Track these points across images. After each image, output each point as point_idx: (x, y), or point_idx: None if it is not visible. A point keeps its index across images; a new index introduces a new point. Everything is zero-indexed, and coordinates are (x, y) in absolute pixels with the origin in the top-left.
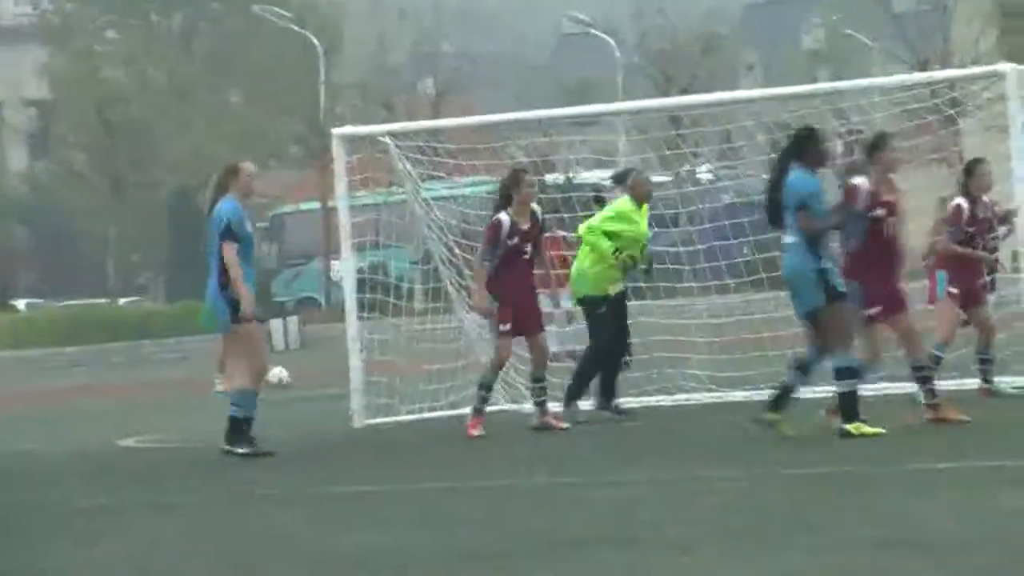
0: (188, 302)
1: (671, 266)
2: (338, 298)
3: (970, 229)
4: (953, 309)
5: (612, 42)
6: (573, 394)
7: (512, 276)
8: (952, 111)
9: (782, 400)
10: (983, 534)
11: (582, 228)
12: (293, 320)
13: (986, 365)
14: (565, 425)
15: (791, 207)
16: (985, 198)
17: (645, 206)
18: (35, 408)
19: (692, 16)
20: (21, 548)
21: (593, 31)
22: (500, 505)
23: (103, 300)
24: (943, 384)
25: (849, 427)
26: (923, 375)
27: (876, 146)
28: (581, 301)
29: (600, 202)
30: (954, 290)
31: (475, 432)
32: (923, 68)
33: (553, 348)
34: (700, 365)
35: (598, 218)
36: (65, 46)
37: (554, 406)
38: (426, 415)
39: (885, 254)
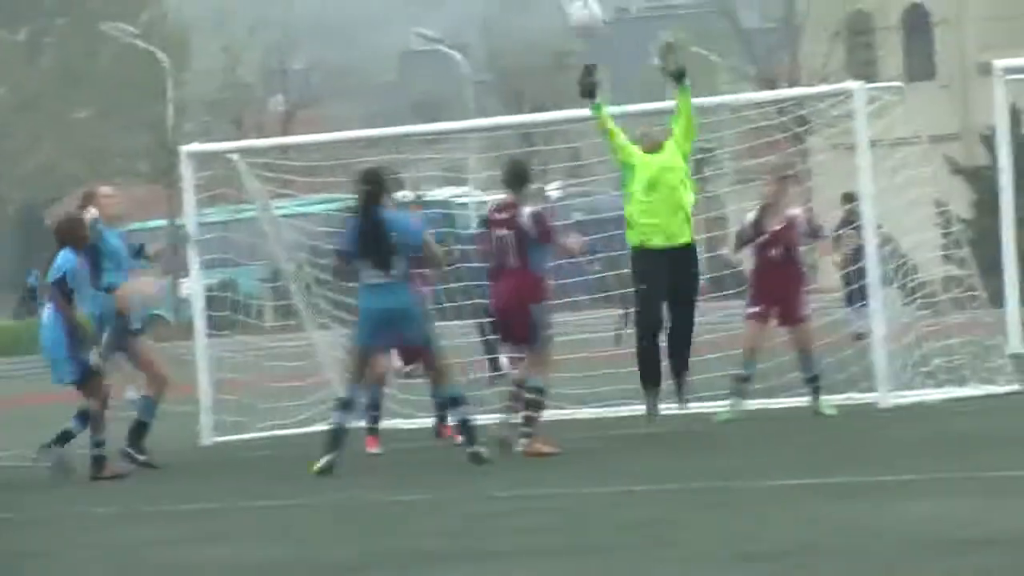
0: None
1: None
2: (187, 315)
3: (761, 239)
4: (756, 325)
5: (461, 58)
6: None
7: None
8: (800, 129)
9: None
10: (834, 543)
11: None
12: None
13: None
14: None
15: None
16: (796, 211)
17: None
18: None
19: (544, 33)
20: None
21: (442, 47)
22: (353, 520)
23: None
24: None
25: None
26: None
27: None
28: None
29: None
30: (755, 308)
31: (372, 449)
32: (771, 86)
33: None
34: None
35: None
36: None
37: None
38: (276, 433)
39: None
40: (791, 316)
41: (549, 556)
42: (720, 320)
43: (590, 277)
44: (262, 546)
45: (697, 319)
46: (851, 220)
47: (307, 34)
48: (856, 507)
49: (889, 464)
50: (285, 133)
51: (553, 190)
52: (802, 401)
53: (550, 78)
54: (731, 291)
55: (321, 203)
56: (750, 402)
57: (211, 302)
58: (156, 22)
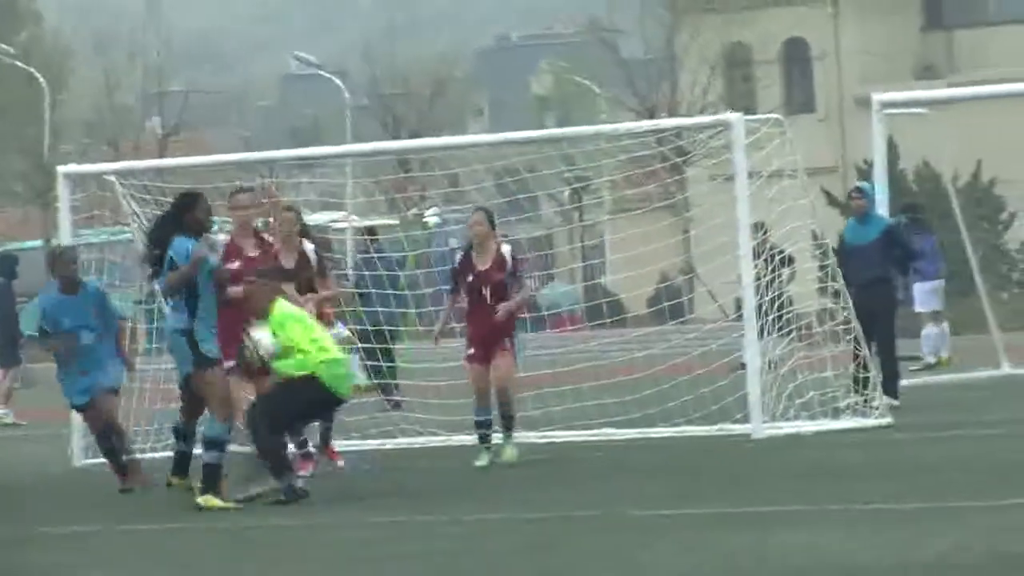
0: None
1: (398, 309)
2: None
3: (469, 278)
4: (474, 368)
5: (340, 83)
6: None
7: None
8: (679, 159)
9: (181, 465)
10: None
11: None
12: None
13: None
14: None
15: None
16: (504, 247)
17: None
18: None
19: (423, 59)
20: None
21: (321, 72)
22: (232, 545)
23: None
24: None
25: (200, 500)
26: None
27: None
28: None
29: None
30: (471, 350)
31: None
32: (651, 116)
33: None
34: (424, 408)
35: None
36: None
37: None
38: (148, 455)
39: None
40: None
41: None
42: (599, 350)
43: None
44: (136, 571)
45: (573, 347)
46: (761, 251)
47: (187, 57)
48: (735, 537)
49: (762, 496)
50: (162, 156)
51: (431, 216)
52: (678, 431)
53: (428, 105)
54: (608, 320)
55: None
56: (627, 431)
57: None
58: (34, 42)
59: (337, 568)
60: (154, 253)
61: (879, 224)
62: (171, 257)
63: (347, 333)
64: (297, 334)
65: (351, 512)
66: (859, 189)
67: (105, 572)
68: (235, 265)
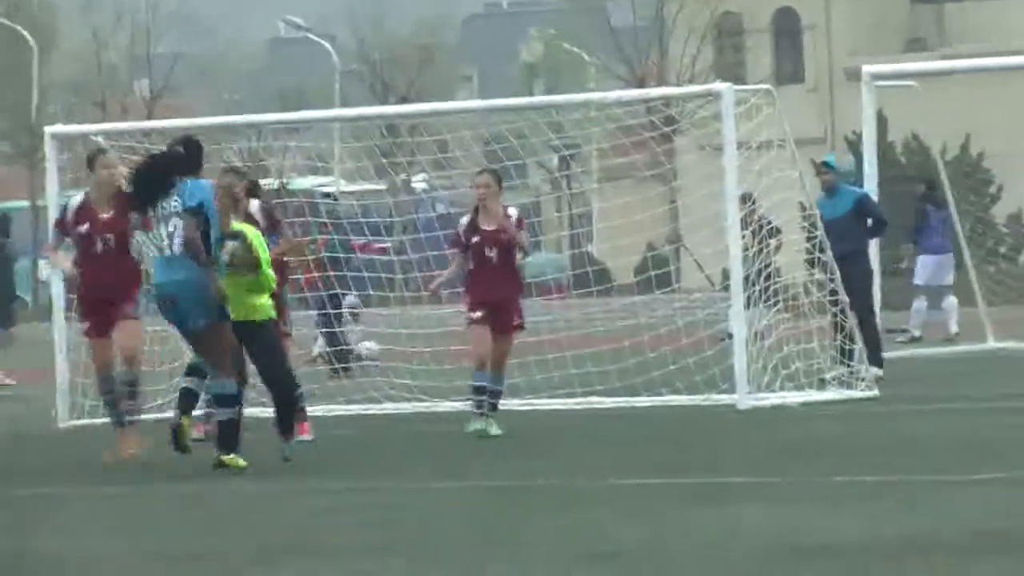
0: None
1: (384, 275)
2: (46, 298)
3: (474, 239)
4: (476, 330)
5: (329, 47)
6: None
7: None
8: (668, 129)
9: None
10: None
11: None
12: None
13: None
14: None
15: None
16: (511, 210)
17: None
18: None
19: (412, 25)
20: None
21: (309, 35)
22: (199, 510)
23: None
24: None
25: (226, 459)
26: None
27: None
28: None
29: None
30: (476, 313)
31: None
32: (640, 84)
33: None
34: (410, 375)
35: None
36: None
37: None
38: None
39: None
40: (505, 324)
41: (383, 553)
42: (583, 318)
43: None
44: (102, 536)
45: (559, 315)
46: (749, 222)
47: (174, 19)
48: (707, 511)
49: (740, 468)
50: (149, 118)
51: (419, 182)
52: (662, 400)
53: (417, 71)
54: (595, 288)
55: None
56: (613, 399)
57: (70, 285)
58: (22, 2)
59: (296, 534)
60: (147, 197)
61: (849, 197)
62: (201, 203)
63: (355, 300)
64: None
65: (320, 479)
66: (825, 163)
67: (65, 537)
68: (85, 227)
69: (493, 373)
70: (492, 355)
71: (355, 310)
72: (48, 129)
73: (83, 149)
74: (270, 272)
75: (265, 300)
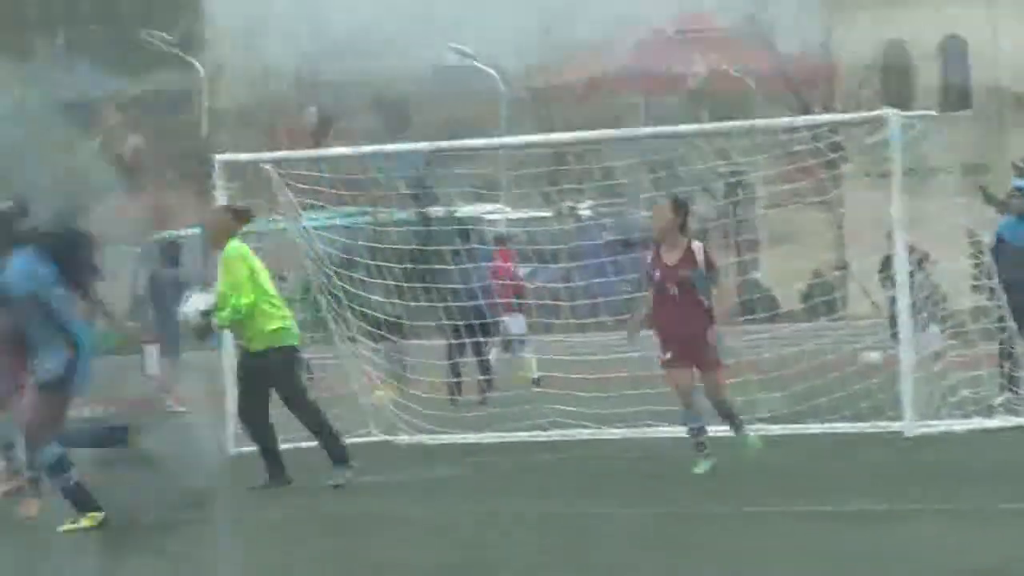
0: None
1: (550, 302)
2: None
3: (655, 274)
4: (671, 373)
5: (495, 74)
6: None
7: None
8: (834, 155)
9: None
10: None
11: None
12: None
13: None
14: None
15: None
16: (696, 244)
17: None
18: None
19: (580, 54)
20: None
21: (476, 63)
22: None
23: None
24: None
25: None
26: None
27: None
28: None
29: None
30: (667, 354)
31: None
32: (806, 111)
33: None
34: (575, 401)
35: None
36: None
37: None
38: (298, 445)
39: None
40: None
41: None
42: (748, 345)
43: (617, 298)
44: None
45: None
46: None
47: (341, 46)
48: (874, 532)
49: (906, 492)
50: (317, 145)
51: (584, 209)
52: (827, 428)
53: (583, 98)
54: (762, 315)
55: (352, 216)
56: (780, 426)
57: None
58: (193, 32)
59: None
60: None
61: None
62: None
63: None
64: (241, 274)
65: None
66: (1019, 188)
67: None
68: None
69: (717, 409)
70: (705, 393)
71: (521, 336)
72: (219, 157)
73: (252, 177)
74: (234, 301)
75: (277, 325)
